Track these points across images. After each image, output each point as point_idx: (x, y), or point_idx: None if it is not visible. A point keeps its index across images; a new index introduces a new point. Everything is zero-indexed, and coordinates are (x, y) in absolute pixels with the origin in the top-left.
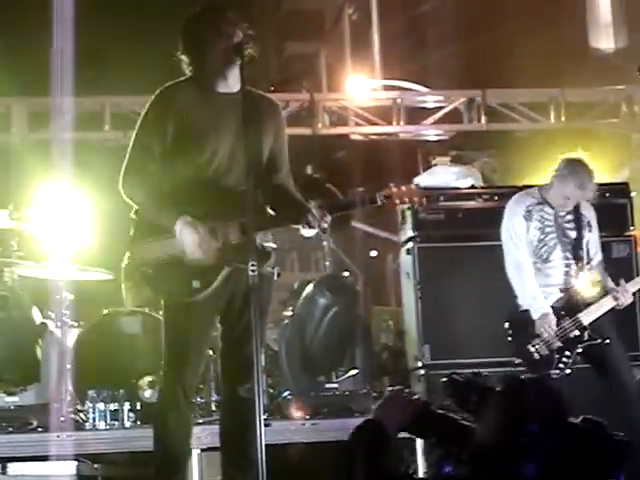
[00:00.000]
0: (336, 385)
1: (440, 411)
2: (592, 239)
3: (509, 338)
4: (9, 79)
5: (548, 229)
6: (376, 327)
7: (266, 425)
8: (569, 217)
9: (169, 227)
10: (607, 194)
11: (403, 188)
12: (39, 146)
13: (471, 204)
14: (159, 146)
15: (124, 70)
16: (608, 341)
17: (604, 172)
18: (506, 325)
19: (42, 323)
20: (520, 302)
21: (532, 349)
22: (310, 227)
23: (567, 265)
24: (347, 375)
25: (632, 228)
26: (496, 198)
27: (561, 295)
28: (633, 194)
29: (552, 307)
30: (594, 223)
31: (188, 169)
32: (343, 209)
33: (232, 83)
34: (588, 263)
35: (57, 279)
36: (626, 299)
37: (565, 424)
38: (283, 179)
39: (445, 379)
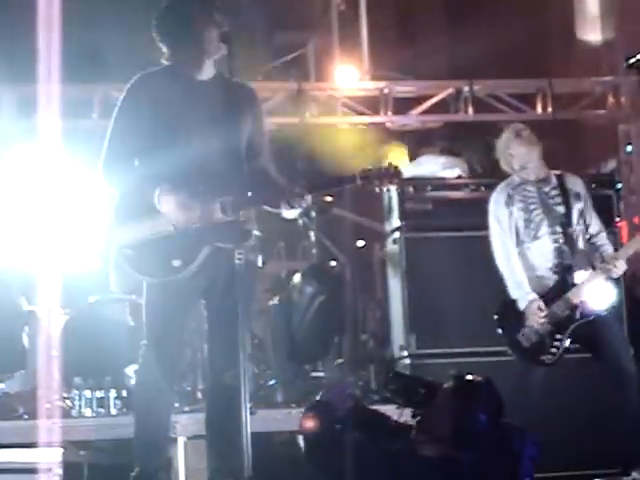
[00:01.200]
0: (322, 374)
1: (372, 407)
2: (584, 209)
3: (499, 330)
4: None
5: (532, 206)
6: (362, 316)
7: (251, 413)
8: (554, 192)
9: (149, 199)
10: (593, 185)
11: (382, 168)
12: (28, 133)
13: (458, 194)
14: (136, 131)
15: (113, 58)
16: (603, 314)
17: (590, 163)
18: (495, 317)
19: (28, 310)
20: (509, 292)
21: (520, 338)
22: (290, 207)
23: (556, 240)
24: (333, 364)
25: (618, 219)
26: (483, 188)
27: (553, 275)
28: (619, 185)
29: (543, 291)
30: (583, 193)
31: (166, 154)
32: (322, 188)
33: (206, 71)
34: (587, 231)
35: (44, 266)
36: (619, 268)
37: (499, 423)
38: (263, 163)
39: (391, 374)
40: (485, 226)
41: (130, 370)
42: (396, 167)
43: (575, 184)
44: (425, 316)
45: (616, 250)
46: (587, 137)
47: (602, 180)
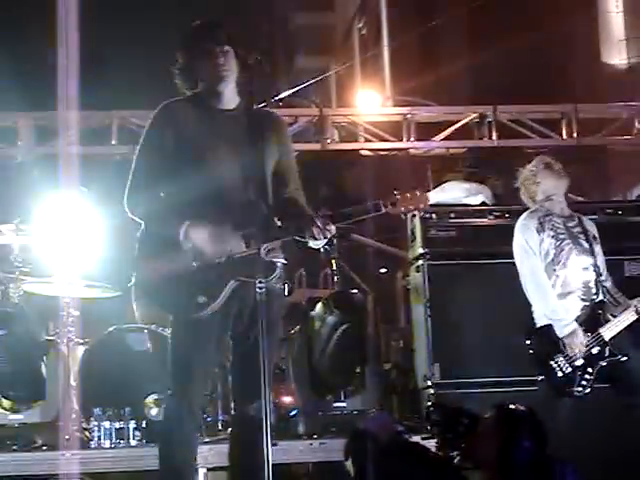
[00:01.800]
0: (345, 404)
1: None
2: (600, 254)
3: (530, 351)
4: (16, 93)
5: (561, 236)
6: (385, 345)
7: (273, 444)
8: (578, 228)
9: (174, 233)
10: (620, 212)
11: (408, 195)
12: (45, 160)
13: (482, 221)
14: (161, 162)
15: (131, 85)
16: (627, 358)
17: (617, 190)
18: (527, 342)
19: (48, 340)
20: (537, 316)
21: (555, 365)
22: (314, 238)
23: (585, 269)
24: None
25: None
26: (507, 215)
27: (582, 305)
28: None
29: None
30: (598, 238)
31: (190, 185)
32: (347, 218)
33: (229, 100)
34: (600, 278)
35: (63, 295)
36: None
37: (542, 453)
38: (291, 193)
39: (431, 406)
40: (509, 253)
41: (150, 401)
42: (423, 194)
43: (592, 228)
44: (448, 345)
45: None
46: (613, 163)
47: (629, 206)
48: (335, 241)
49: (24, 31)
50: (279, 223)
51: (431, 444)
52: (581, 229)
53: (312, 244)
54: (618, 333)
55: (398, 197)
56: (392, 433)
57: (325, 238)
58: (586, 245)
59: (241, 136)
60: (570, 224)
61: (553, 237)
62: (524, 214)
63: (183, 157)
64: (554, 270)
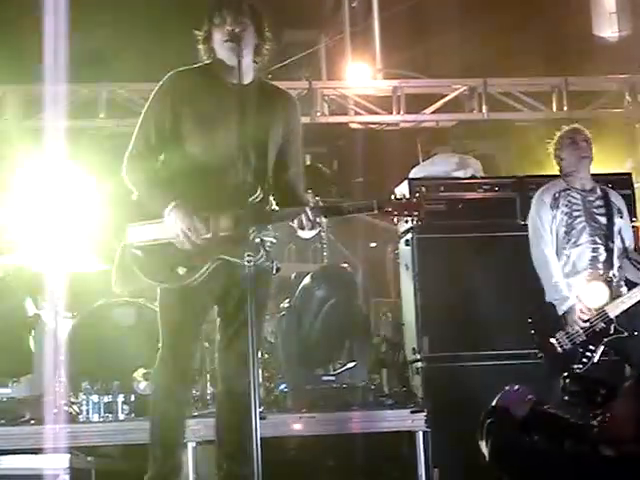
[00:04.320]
0: (334, 378)
1: (551, 410)
2: (625, 228)
3: (532, 331)
4: (3, 66)
5: (576, 213)
6: (374, 319)
7: (262, 418)
8: (598, 202)
9: (160, 210)
10: (610, 185)
11: (402, 201)
12: (33, 133)
13: (471, 194)
14: (160, 132)
15: (120, 58)
16: (636, 333)
17: (607, 162)
18: (529, 318)
19: (35, 314)
20: (547, 295)
21: (555, 342)
22: (302, 228)
23: (594, 249)
24: (344, 368)
25: (635, 220)
26: (496, 188)
27: (588, 283)
28: (636, 185)
29: (579, 299)
30: (625, 212)
31: (189, 156)
32: (339, 213)
33: (244, 73)
34: (625, 250)
35: (50, 269)
36: None
37: None
38: (292, 178)
39: (567, 376)
40: (499, 226)
41: (138, 374)
42: (417, 200)
43: (618, 200)
44: (438, 318)
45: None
46: (603, 136)
47: (619, 180)
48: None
49: (12, 4)
50: (274, 206)
51: (420, 417)
52: (602, 202)
53: (301, 234)
54: (627, 309)
55: (392, 202)
56: (529, 405)
57: (314, 229)
58: (603, 221)
59: (249, 113)
60: (590, 198)
61: (566, 214)
62: (542, 187)
63: (185, 128)
64: (564, 249)
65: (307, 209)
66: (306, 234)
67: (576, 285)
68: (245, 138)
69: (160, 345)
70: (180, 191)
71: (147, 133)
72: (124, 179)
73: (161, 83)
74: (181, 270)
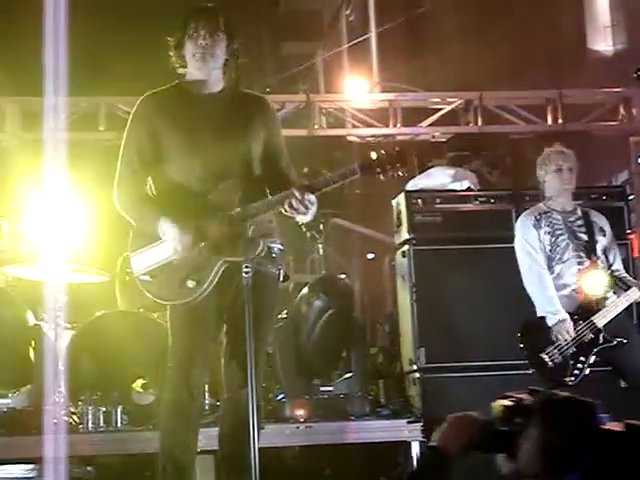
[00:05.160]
0: (331, 388)
1: (502, 428)
2: (609, 246)
3: (521, 345)
4: (3, 79)
5: (558, 232)
6: (371, 330)
7: (260, 428)
8: (579, 222)
9: (153, 229)
10: (604, 197)
11: (383, 156)
12: (33, 146)
13: (467, 206)
14: (142, 156)
15: (119, 71)
16: (625, 341)
17: (601, 175)
18: (519, 334)
19: (35, 325)
20: (539, 311)
21: (545, 357)
22: (293, 209)
23: (580, 263)
24: (342, 378)
25: (629, 231)
26: (492, 201)
27: (576, 297)
28: (630, 197)
29: (567, 312)
30: (608, 229)
31: (172, 172)
32: (325, 185)
33: (214, 83)
34: (609, 268)
35: (50, 280)
36: None
37: (597, 431)
38: (283, 169)
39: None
40: (495, 238)
41: (137, 385)
42: (399, 152)
43: (600, 219)
44: (434, 329)
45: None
46: (598, 149)
47: (613, 192)
48: (322, 227)
49: (11, 16)
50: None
51: (416, 427)
52: (583, 222)
53: (298, 218)
54: (614, 318)
55: (373, 160)
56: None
57: (306, 209)
58: (584, 237)
59: (225, 119)
60: (571, 219)
61: (549, 233)
62: (524, 212)
63: (164, 146)
64: (551, 266)
65: (293, 189)
66: (303, 218)
67: (565, 300)
68: (227, 142)
69: (170, 362)
70: (168, 206)
71: (130, 158)
72: (117, 207)
73: (134, 109)
74: (190, 283)
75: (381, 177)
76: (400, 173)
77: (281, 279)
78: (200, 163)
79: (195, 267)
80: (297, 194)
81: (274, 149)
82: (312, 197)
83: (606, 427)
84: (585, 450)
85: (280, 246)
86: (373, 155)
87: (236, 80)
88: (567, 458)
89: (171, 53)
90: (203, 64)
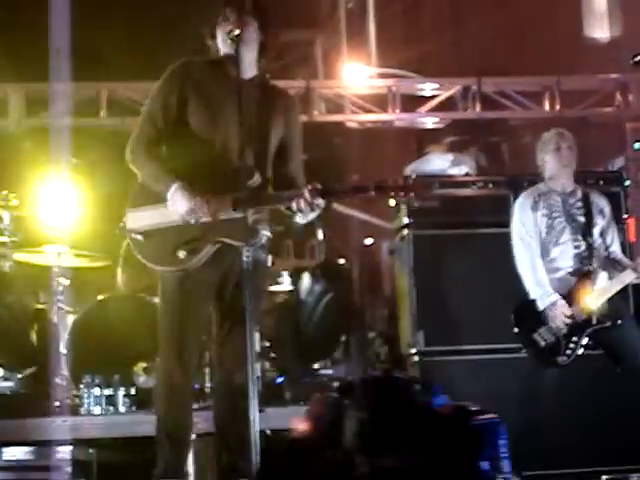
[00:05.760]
0: (330, 372)
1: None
2: (607, 227)
3: (515, 328)
4: (6, 65)
5: (555, 214)
6: (370, 314)
7: (260, 411)
8: (578, 204)
9: (164, 192)
10: (601, 182)
11: (398, 181)
12: (36, 132)
13: (465, 192)
14: (167, 116)
15: (121, 56)
16: (620, 322)
17: (598, 161)
18: (512, 316)
19: (37, 308)
20: (530, 294)
21: (537, 337)
22: (300, 210)
23: (576, 247)
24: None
25: (626, 216)
26: (490, 186)
27: (570, 279)
28: (627, 182)
29: (562, 293)
30: (607, 211)
31: (192, 141)
32: (336, 195)
33: (246, 69)
34: (606, 250)
35: (53, 265)
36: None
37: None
38: (292, 171)
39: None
40: (493, 223)
41: (139, 368)
42: (414, 180)
43: (600, 201)
44: (433, 313)
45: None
46: (595, 135)
47: (610, 177)
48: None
49: (17, 4)
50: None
51: None
52: (582, 203)
53: (299, 218)
54: (610, 299)
55: (388, 182)
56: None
57: (312, 211)
58: (582, 220)
59: (250, 106)
60: (570, 201)
61: (546, 215)
62: (524, 192)
63: (189, 113)
64: (547, 249)
65: (305, 190)
66: (303, 218)
67: (559, 282)
68: (246, 128)
69: (161, 341)
70: (182, 174)
71: (154, 116)
72: (127, 160)
73: (170, 68)
74: (181, 254)
75: (391, 200)
76: (408, 198)
77: (269, 264)
78: (219, 141)
79: (189, 239)
80: (307, 196)
81: (289, 147)
82: (321, 201)
83: (438, 409)
84: (403, 431)
85: (269, 233)
86: (390, 179)
87: (264, 69)
88: (383, 438)
89: (207, 42)
90: (235, 50)
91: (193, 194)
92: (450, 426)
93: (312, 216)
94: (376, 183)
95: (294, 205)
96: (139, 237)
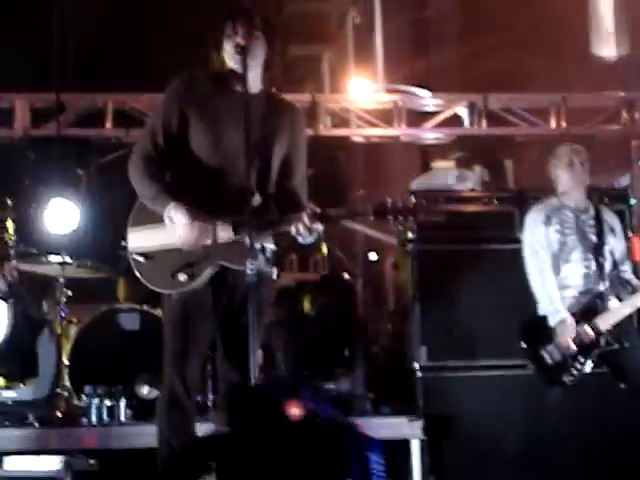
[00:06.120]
0: (333, 386)
1: None
2: (617, 245)
3: (522, 343)
4: (13, 75)
5: (567, 231)
6: (374, 329)
7: None
8: (590, 221)
9: (161, 211)
10: (606, 200)
11: (397, 204)
12: (41, 142)
13: (470, 207)
14: (167, 133)
15: (126, 68)
16: (627, 345)
17: (604, 178)
18: (520, 330)
19: (41, 319)
20: (540, 308)
21: (545, 354)
22: (299, 234)
23: (587, 267)
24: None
25: (631, 234)
26: (495, 201)
27: (580, 299)
28: (633, 201)
29: (570, 313)
30: (618, 229)
31: (192, 160)
32: (335, 219)
33: (252, 83)
34: (616, 269)
35: (57, 275)
36: None
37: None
38: (295, 187)
39: None
40: (497, 239)
41: (141, 379)
42: (414, 204)
43: (611, 218)
44: (437, 329)
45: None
46: (600, 152)
47: (615, 195)
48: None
49: (22, 12)
50: (268, 217)
51: (417, 425)
52: (594, 221)
53: (299, 240)
54: (619, 322)
55: (387, 206)
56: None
57: (311, 235)
58: (594, 239)
59: (255, 121)
60: (583, 217)
61: (558, 232)
62: (534, 207)
63: (191, 131)
64: (557, 265)
65: (304, 215)
66: (303, 240)
67: (568, 300)
68: (249, 145)
69: (165, 357)
70: (182, 194)
71: (155, 133)
72: (128, 174)
73: (172, 84)
74: (182, 277)
75: (390, 223)
76: (409, 221)
77: (274, 277)
78: (220, 159)
79: (189, 262)
80: (306, 221)
81: (293, 162)
82: (320, 226)
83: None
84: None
85: (273, 247)
86: (389, 201)
87: (271, 81)
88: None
89: (211, 52)
90: (240, 63)
91: (191, 218)
92: (316, 443)
93: (310, 240)
94: (374, 207)
95: (293, 229)
96: (140, 258)
